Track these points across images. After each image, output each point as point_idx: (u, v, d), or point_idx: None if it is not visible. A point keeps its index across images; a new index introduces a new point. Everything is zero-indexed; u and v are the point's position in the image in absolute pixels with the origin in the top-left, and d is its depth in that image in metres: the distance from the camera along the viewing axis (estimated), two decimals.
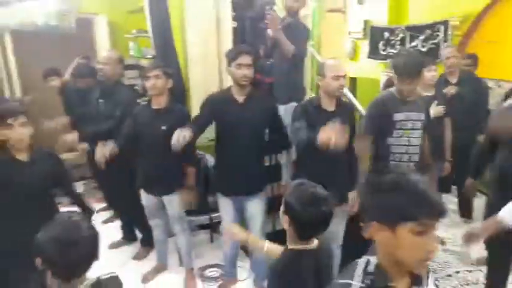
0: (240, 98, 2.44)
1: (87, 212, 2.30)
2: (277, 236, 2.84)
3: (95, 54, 5.16)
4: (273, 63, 3.33)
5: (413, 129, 2.45)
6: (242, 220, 2.68)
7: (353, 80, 5.50)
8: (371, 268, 1.01)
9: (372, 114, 2.50)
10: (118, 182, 3.08)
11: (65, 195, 2.28)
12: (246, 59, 2.33)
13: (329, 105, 2.36)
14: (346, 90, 3.32)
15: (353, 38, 5.51)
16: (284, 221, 1.54)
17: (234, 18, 3.77)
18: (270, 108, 2.54)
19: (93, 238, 1.30)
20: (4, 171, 1.94)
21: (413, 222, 0.93)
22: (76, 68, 3.85)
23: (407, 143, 2.45)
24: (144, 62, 4.77)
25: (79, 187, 4.71)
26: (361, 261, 1.04)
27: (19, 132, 1.90)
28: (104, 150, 2.53)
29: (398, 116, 2.42)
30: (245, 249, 3.17)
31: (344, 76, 2.31)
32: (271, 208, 2.66)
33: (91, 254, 1.28)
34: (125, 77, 4.00)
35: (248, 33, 3.45)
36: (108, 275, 1.40)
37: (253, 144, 2.46)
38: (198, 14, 3.57)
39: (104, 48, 5.10)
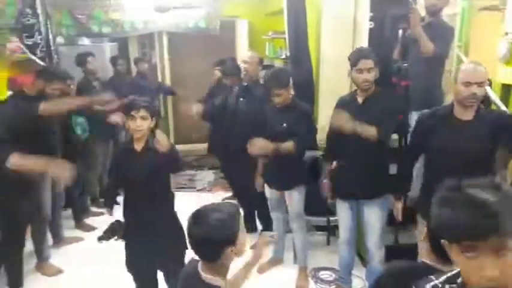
0: (360, 99, 2.40)
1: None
2: (398, 251, 2.68)
3: (235, 54, 5.56)
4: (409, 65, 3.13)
5: None
6: (359, 226, 2.59)
7: (507, 88, 4.80)
8: None
9: None
10: (244, 173, 3.27)
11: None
12: (366, 64, 2.28)
13: (463, 114, 2.07)
14: (494, 98, 2.91)
15: (510, 39, 4.80)
16: (421, 234, 1.42)
17: (371, 19, 3.64)
18: (391, 110, 2.38)
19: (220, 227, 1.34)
20: (121, 159, 2.27)
21: (456, 243, 0.86)
22: (224, 65, 4.04)
23: None
24: (278, 62, 4.97)
25: (209, 175, 5.16)
26: None
27: (137, 124, 2.12)
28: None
29: None
30: (362, 257, 3.06)
31: (480, 83, 1.98)
32: (395, 220, 2.52)
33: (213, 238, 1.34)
34: (260, 77, 4.20)
35: (387, 33, 3.29)
36: None
37: (372, 147, 2.34)
38: (335, 15, 3.55)
39: (243, 49, 5.47)
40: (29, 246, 3.04)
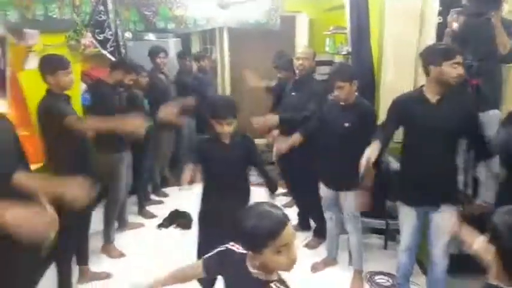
0: (433, 98, 2.20)
1: (272, 189, 2.54)
2: (462, 261, 2.51)
3: (294, 50, 5.52)
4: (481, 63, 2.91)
5: None
6: (423, 233, 2.46)
7: None
8: None
9: None
10: (299, 170, 3.24)
11: (258, 171, 2.53)
12: (461, 58, 2.13)
13: None
14: None
15: None
16: (488, 251, 1.28)
17: (440, 13, 3.43)
18: (467, 111, 2.21)
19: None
20: (212, 150, 2.38)
21: None
22: (280, 60, 4.03)
23: None
24: (338, 58, 4.86)
25: None
26: None
27: (224, 129, 2.28)
28: (283, 144, 2.84)
29: None
30: (422, 265, 2.91)
31: None
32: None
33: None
34: (317, 73, 4.13)
35: (461, 29, 3.07)
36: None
37: (445, 150, 2.21)
38: (399, 10, 3.40)
39: (302, 44, 5.41)
40: (94, 227, 3.23)
